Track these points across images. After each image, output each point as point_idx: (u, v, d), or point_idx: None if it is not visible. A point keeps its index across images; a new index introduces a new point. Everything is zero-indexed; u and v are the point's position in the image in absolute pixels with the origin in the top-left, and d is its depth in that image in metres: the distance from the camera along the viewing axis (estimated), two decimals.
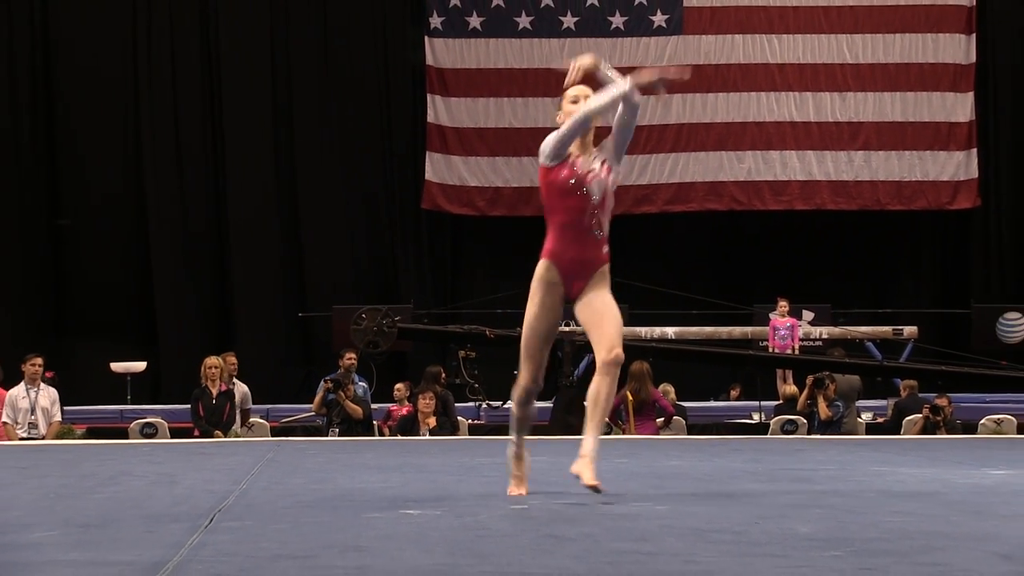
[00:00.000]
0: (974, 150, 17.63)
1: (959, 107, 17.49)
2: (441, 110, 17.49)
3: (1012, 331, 16.89)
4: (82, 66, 17.16)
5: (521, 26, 17.78)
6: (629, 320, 15.44)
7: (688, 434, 12.19)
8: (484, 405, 13.29)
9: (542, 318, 4.98)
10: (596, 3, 17.63)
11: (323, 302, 16.67)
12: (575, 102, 4.93)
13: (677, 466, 7.25)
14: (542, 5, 17.80)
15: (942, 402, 12.71)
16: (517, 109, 17.55)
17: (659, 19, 17.62)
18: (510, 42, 17.77)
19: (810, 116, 17.75)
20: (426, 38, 17.45)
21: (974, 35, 17.54)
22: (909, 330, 16.48)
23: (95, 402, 14.88)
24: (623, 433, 11.79)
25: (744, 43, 17.68)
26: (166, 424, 12.04)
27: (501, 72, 17.76)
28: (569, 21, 17.69)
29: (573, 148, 5.01)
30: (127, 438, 11.38)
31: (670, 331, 16.05)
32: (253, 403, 12.97)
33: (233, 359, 12.92)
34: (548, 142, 4.98)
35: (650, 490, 5.64)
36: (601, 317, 4.93)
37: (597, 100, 4.94)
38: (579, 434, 5.12)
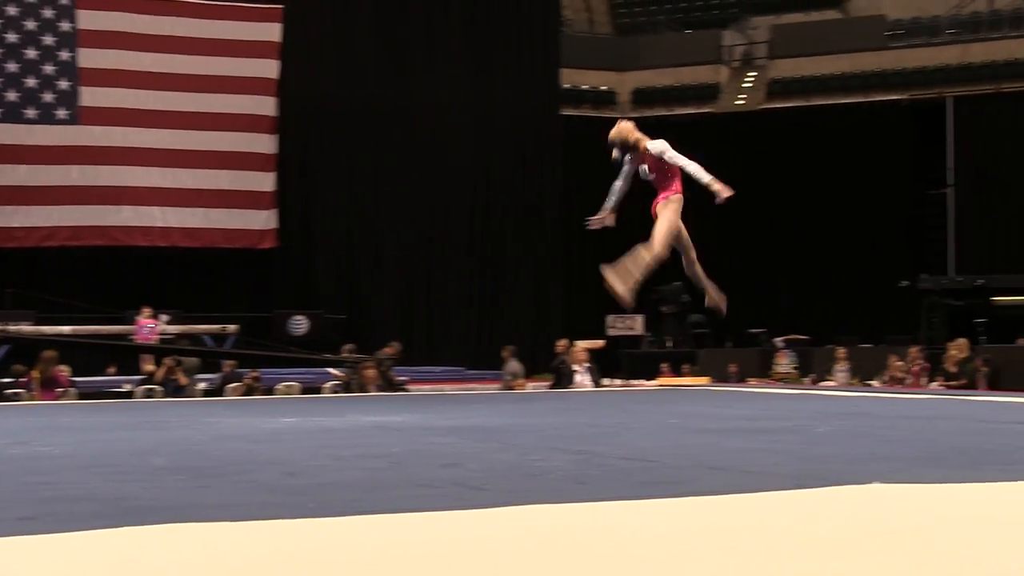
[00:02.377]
0: (275, 210, 25.08)
1: (266, 181, 24.91)
2: None
3: (297, 328, 23.70)
4: None
5: None
6: (38, 322, 20.17)
7: (79, 399, 14.36)
8: None
9: None
10: (15, 99, 22.80)
11: None
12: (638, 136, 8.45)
13: (69, 422, 8.48)
14: None
15: (255, 375, 16.72)
16: None
17: (62, 113, 23.27)
18: None
19: (168, 184, 24.15)
20: None
21: (276, 135, 24.95)
22: (232, 327, 21.32)
23: None
24: (32, 400, 14.08)
25: (124, 133, 23.67)
26: None
27: None
28: None
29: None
30: None
31: (67, 328, 19.47)
32: None
33: None
34: (668, 149, 8.35)
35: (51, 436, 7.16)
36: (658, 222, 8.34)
37: (695, 170, 8.27)
38: None
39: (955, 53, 30.73)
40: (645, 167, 8.61)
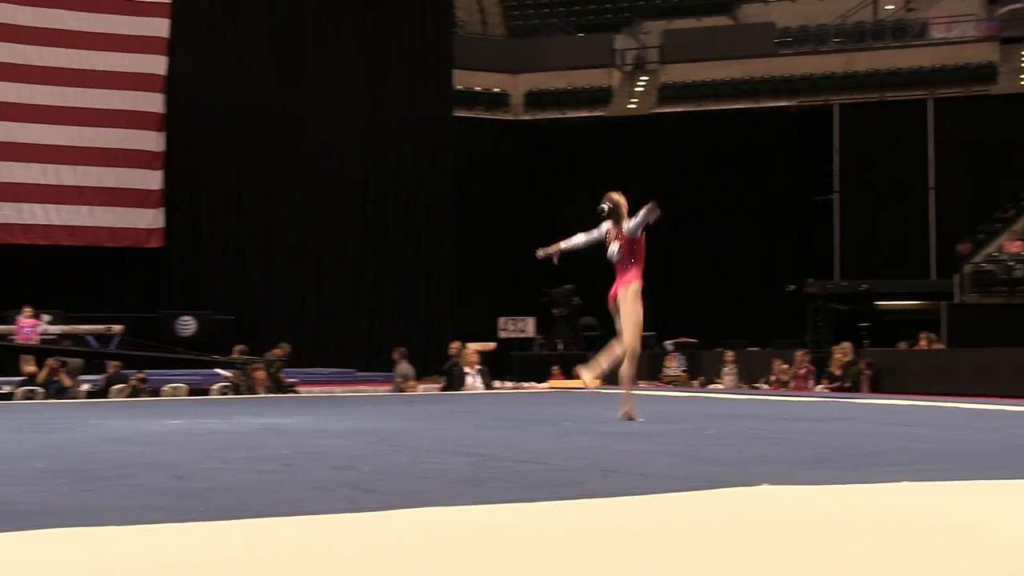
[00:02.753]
0: (162, 209, 24.65)
1: (153, 179, 24.50)
2: None
3: (185, 328, 23.43)
4: None
5: None
6: None
7: None
8: None
9: None
10: None
11: None
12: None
13: None
14: None
15: (141, 376, 16.44)
16: None
17: None
18: None
19: (51, 180, 23.55)
20: None
21: (164, 132, 24.58)
22: (117, 328, 20.80)
23: None
24: None
25: (4, 128, 23.13)
26: None
27: None
28: None
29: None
30: None
31: None
32: None
33: None
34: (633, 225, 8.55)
35: None
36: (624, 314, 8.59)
37: (643, 215, 8.46)
38: None
39: (841, 61, 31.45)
40: (615, 246, 8.86)
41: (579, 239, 9.15)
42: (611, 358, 8.85)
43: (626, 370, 8.78)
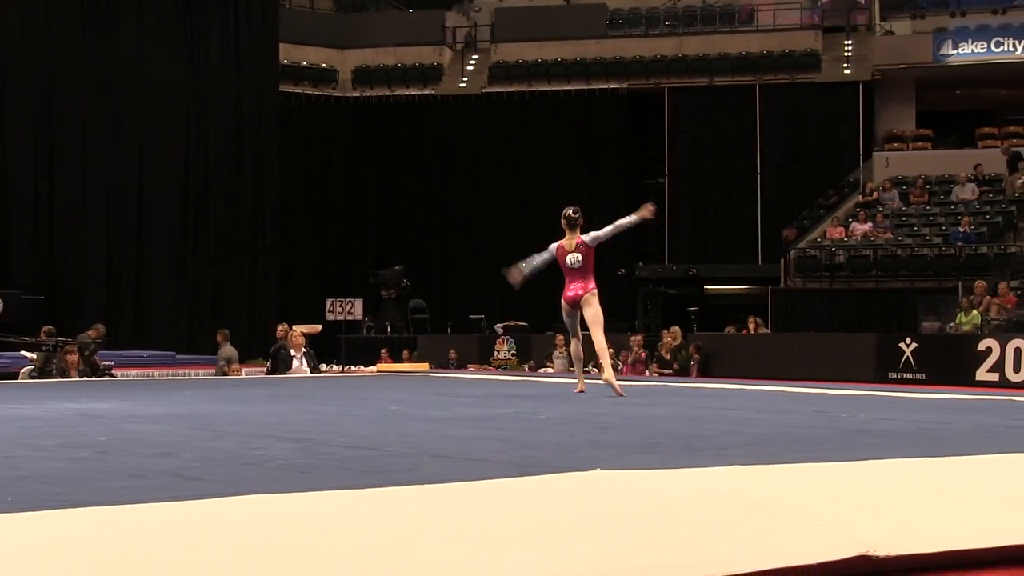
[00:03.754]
0: None
1: None
2: None
3: None
4: None
5: None
6: None
7: None
8: None
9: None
10: None
11: None
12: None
13: None
14: None
15: None
16: None
17: None
18: None
19: None
20: None
21: None
22: None
23: None
24: None
25: None
26: None
27: None
28: None
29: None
30: None
31: None
32: None
33: None
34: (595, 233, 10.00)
35: None
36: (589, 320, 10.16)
37: (623, 223, 10.10)
38: None
39: (672, 45, 32.07)
40: (578, 255, 10.27)
41: (538, 260, 10.53)
42: (580, 361, 10.89)
43: (607, 366, 10.28)
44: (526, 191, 30.98)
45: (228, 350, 18.86)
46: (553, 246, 10.43)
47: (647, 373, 19.12)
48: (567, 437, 5.95)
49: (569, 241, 10.31)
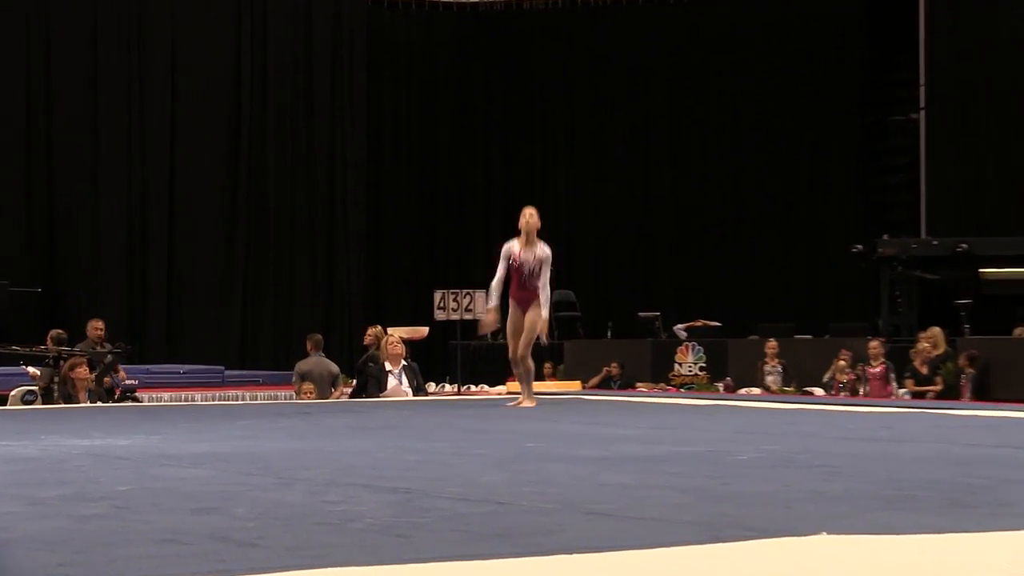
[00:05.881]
0: None
1: None
2: None
3: None
4: None
5: None
6: None
7: None
8: None
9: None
10: None
11: None
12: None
13: None
14: None
15: None
16: None
17: None
18: None
19: None
20: None
21: None
22: None
23: None
24: None
25: None
26: None
27: None
28: None
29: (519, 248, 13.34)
30: None
31: None
32: None
33: None
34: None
35: None
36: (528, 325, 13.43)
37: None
38: None
39: None
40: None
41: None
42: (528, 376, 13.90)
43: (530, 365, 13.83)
44: (712, 133, 30.74)
45: (330, 364, 18.85)
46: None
47: (895, 394, 18.88)
48: (778, 486, 5.90)
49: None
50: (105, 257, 25.81)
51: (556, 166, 31.70)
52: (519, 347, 13.47)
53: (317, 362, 18.89)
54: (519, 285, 13.43)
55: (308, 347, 19.31)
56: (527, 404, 13.42)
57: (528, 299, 13.38)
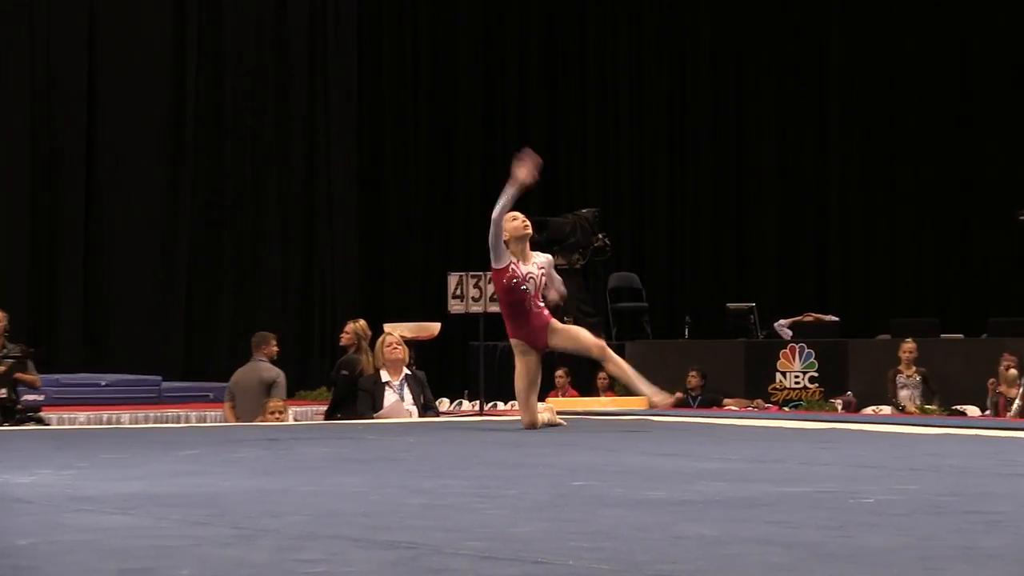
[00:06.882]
0: None
1: None
2: None
3: None
4: None
5: None
6: None
7: None
8: None
9: None
10: None
11: None
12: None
13: None
14: None
15: None
16: None
17: None
18: None
19: None
20: None
21: None
22: None
23: None
24: None
25: None
26: None
27: None
28: None
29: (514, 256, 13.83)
30: None
31: None
32: None
33: None
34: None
35: None
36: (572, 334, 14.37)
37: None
38: None
39: None
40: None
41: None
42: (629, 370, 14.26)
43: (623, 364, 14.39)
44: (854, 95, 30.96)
45: (265, 371, 18.86)
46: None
47: None
48: (917, 539, 5.90)
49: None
50: (8, 239, 26.00)
51: (608, 118, 31.80)
52: (589, 350, 14.17)
53: (248, 369, 18.81)
54: (530, 313, 13.84)
55: (258, 351, 19.07)
56: (657, 399, 14.59)
57: (543, 326, 13.84)
